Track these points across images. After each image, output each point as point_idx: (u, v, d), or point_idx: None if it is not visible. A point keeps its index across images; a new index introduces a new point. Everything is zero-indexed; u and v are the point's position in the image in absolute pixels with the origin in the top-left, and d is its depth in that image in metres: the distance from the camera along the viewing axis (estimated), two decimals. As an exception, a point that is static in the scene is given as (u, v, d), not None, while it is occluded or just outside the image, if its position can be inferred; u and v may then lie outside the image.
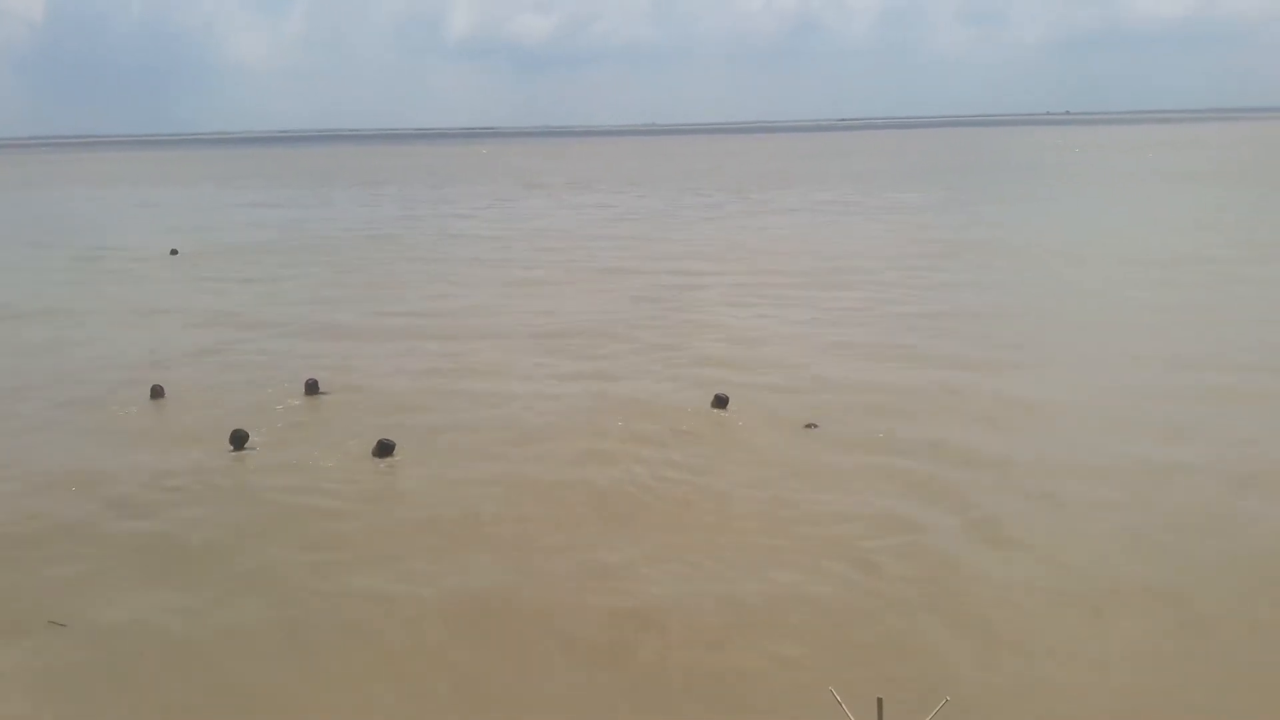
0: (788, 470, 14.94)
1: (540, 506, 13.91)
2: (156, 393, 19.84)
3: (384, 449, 16.03)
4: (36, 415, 18.83)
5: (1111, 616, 10.65)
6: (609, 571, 11.89)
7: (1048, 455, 15.33)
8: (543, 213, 59.49)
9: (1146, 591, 11.21)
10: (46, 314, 29.13)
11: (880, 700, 8.13)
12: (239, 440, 16.64)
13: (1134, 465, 14.85)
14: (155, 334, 25.96)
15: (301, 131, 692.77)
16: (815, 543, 12.51)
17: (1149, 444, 15.71)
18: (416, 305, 29.45)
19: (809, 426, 16.91)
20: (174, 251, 42.46)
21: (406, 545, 12.69)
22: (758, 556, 12.11)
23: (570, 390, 19.68)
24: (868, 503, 13.72)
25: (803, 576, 11.61)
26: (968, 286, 30.38)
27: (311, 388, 19.86)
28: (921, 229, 45.60)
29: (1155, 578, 11.49)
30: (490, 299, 30.23)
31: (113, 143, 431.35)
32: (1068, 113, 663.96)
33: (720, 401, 17.83)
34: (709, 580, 11.54)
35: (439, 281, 33.93)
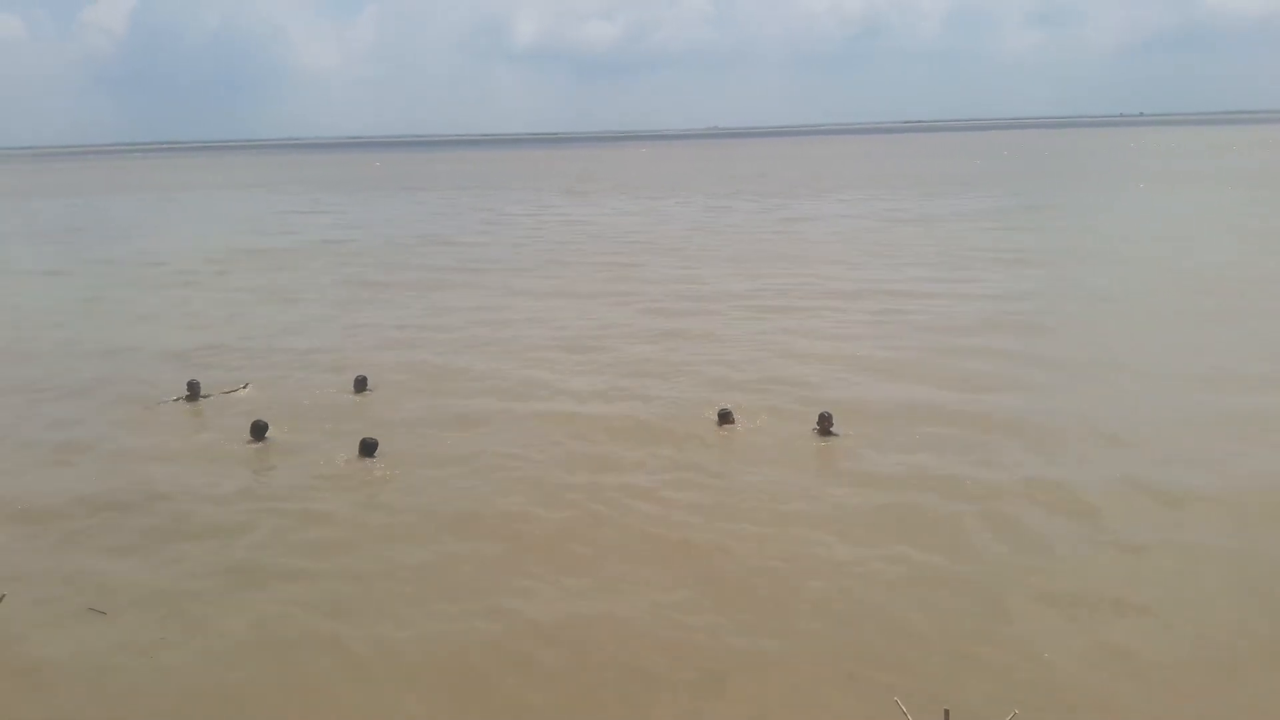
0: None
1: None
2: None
3: (367, 448, 15.79)
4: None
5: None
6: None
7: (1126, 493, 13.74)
8: (582, 219, 59.00)
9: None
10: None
11: (947, 712, 8.20)
12: (259, 431, 16.81)
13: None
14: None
15: (369, 138, 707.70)
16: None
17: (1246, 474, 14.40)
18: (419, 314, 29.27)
19: (825, 431, 16.23)
20: None
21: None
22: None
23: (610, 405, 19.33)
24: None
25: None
26: (1014, 299, 27.98)
27: (360, 384, 19.96)
28: (973, 236, 43.90)
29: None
30: (490, 305, 29.97)
31: (190, 149, 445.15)
32: (1142, 114, 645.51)
33: (724, 417, 17.08)
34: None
35: (440, 289, 33.55)
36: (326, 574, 11.85)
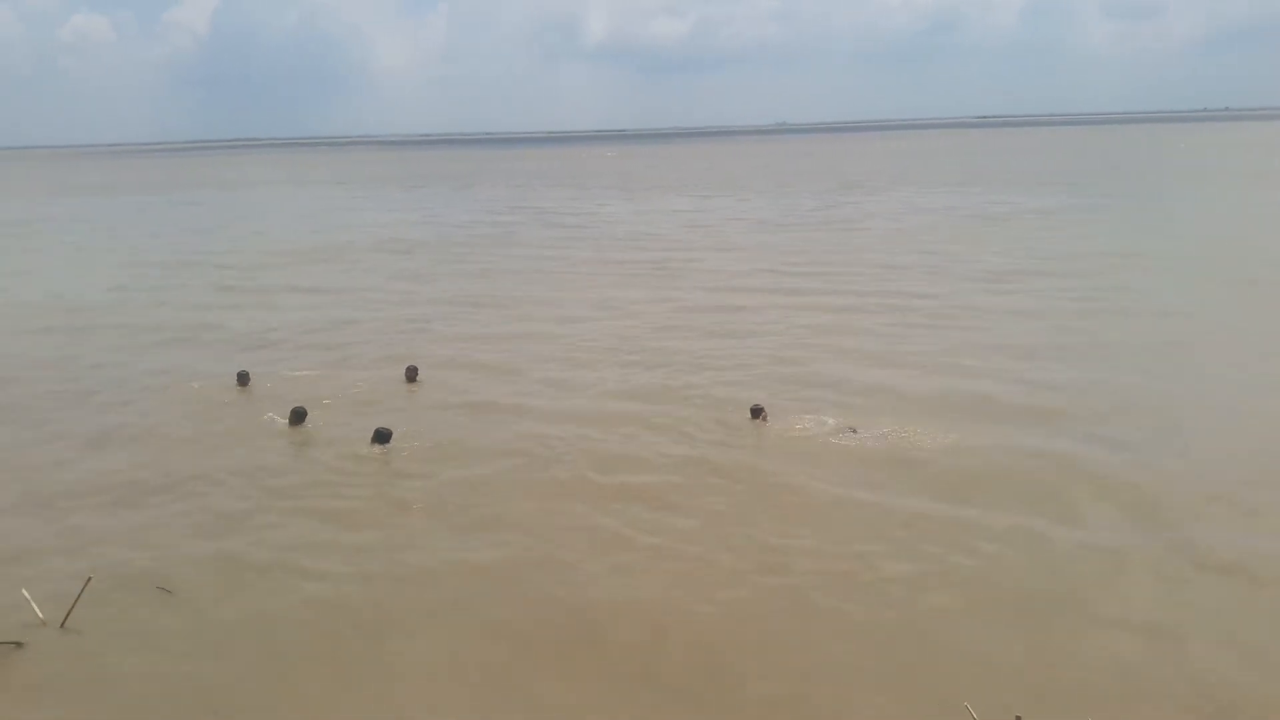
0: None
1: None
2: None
3: (381, 436, 16.56)
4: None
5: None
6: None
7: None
8: (620, 218, 59.15)
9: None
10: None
11: (1019, 718, 8.24)
12: (299, 416, 17.83)
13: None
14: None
15: (441, 135, 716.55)
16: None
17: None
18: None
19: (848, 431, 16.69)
20: None
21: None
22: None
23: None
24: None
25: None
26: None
27: (411, 374, 21.06)
28: (1031, 237, 43.23)
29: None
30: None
31: (265, 145, 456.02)
32: (1226, 109, 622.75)
33: (756, 412, 17.59)
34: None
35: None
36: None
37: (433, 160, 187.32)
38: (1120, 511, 13.40)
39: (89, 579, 11.24)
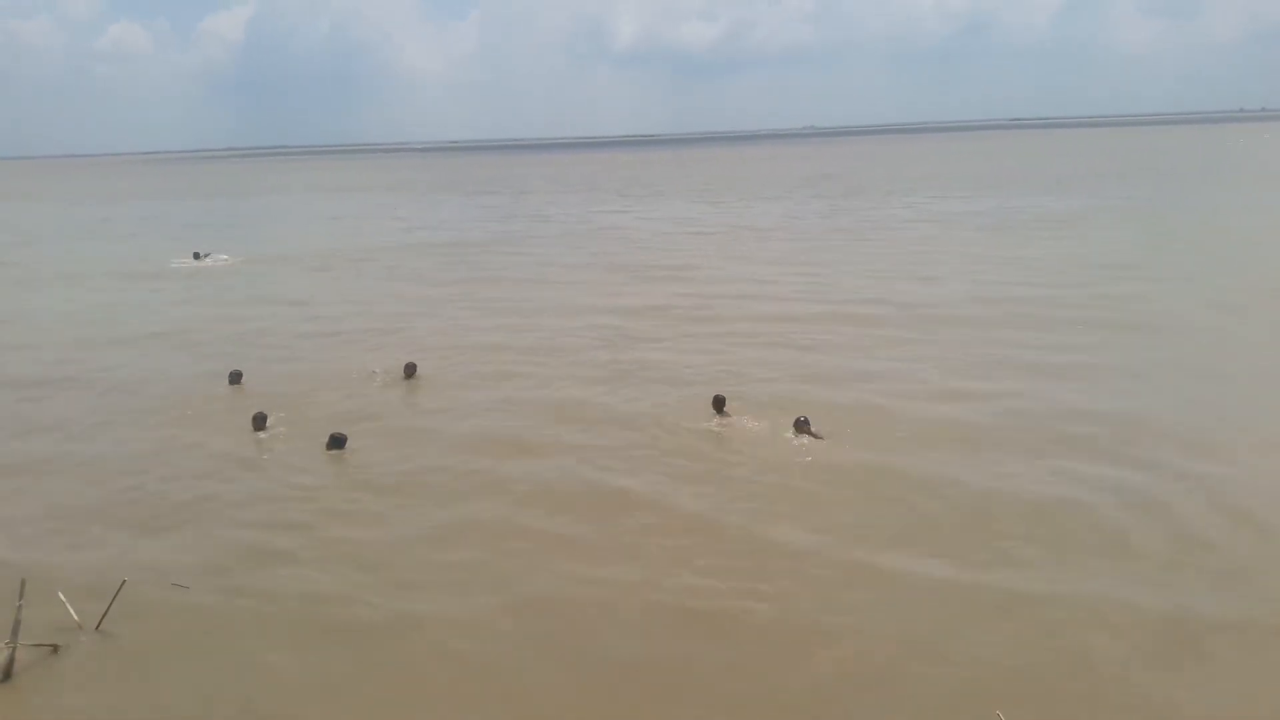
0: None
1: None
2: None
3: (335, 442, 16.84)
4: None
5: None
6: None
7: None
8: (619, 224, 58.90)
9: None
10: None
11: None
12: (259, 421, 18.10)
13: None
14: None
15: (472, 141, 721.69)
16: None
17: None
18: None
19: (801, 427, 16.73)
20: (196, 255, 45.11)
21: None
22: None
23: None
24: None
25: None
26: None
27: (410, 370, 21.86)
28: (1047, 246, 42.16)
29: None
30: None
31: (301, 153, 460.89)
32: (1264, 109, 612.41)
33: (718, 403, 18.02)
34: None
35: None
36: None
37: (473, 167, 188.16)
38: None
39: (124, 581, 11.41)
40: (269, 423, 18.29)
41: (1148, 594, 11.18)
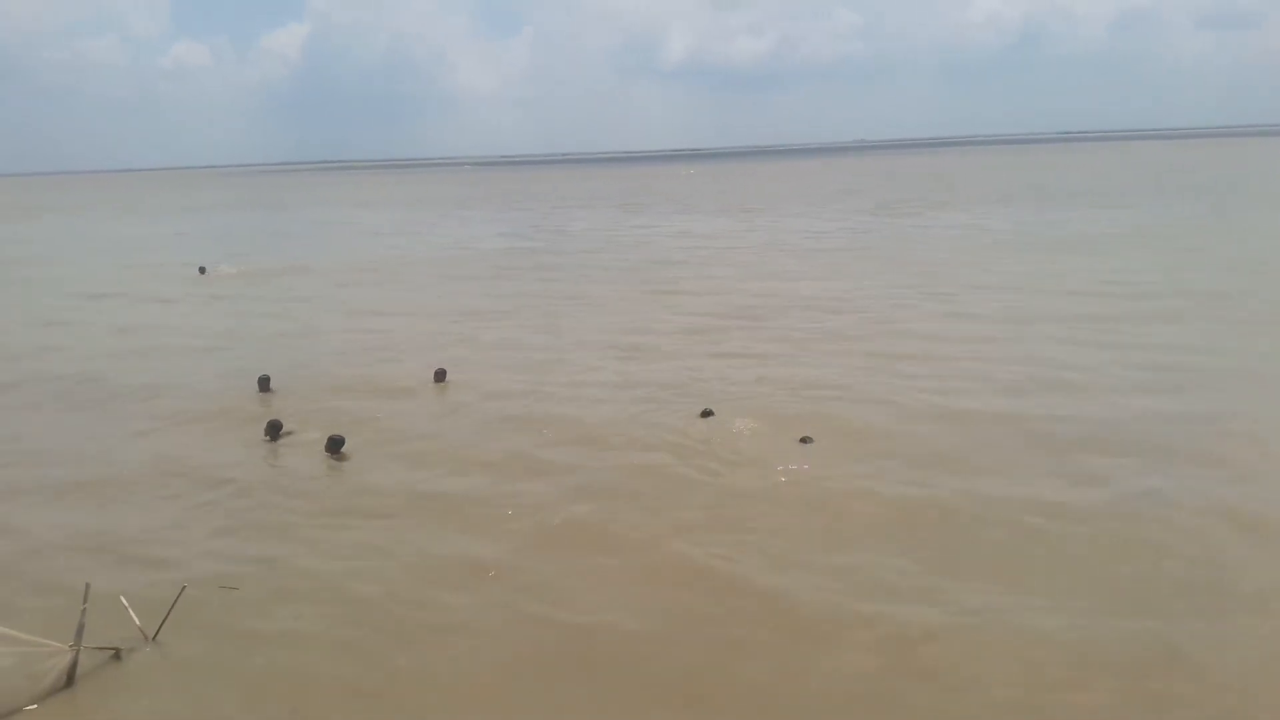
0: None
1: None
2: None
3: (334, 444, 17.26)
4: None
5: None
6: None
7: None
8: (642, 241, 58.06)
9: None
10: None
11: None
12: (274, 429, 18.44)
13: None
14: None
15: (522, 156, 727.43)
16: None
17: None
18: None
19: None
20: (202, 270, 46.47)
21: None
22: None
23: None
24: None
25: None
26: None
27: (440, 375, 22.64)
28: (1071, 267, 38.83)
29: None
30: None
31: (356, 167, 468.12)
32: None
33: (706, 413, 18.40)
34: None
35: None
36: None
37: (497, 181, 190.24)
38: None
39: (184, 587, 11.55)
40: (282, 430, 18.68)
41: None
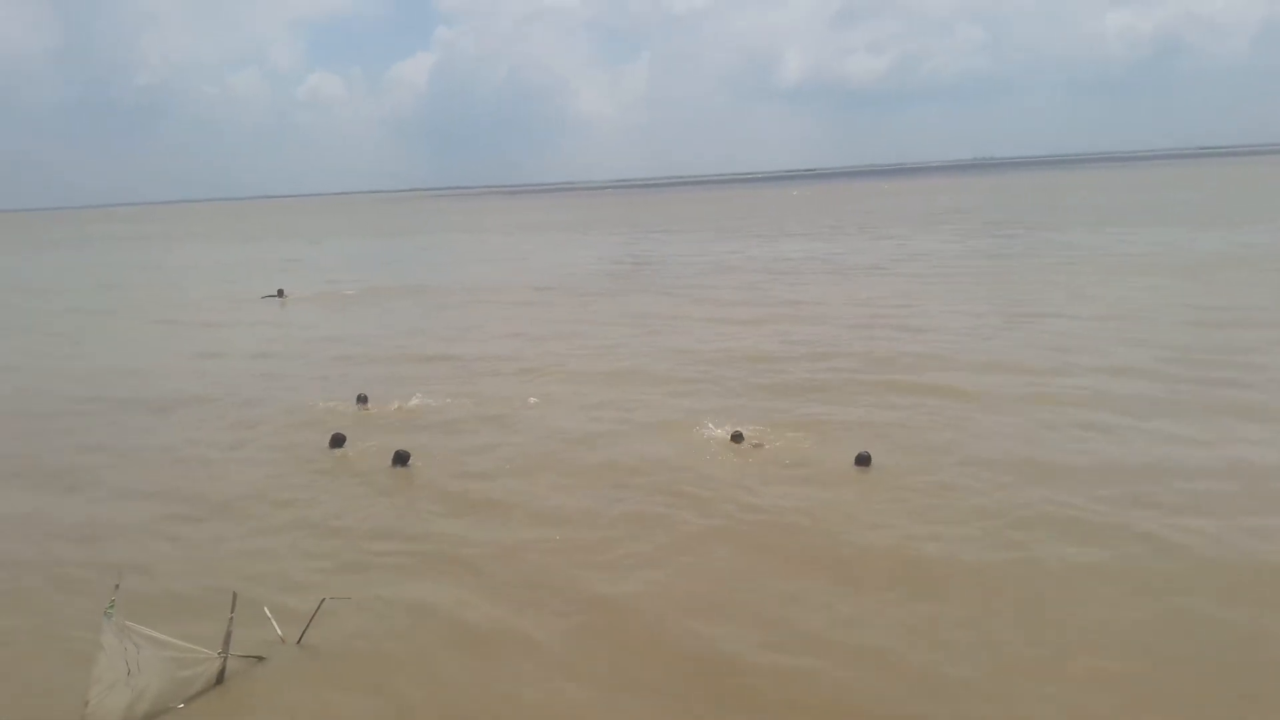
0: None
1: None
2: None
3: (400, 458, 18.10)
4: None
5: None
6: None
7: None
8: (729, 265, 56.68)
9: None
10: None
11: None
12: (338, 441, 19.46)
13: None
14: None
15: (641, 179, 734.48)
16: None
17: None
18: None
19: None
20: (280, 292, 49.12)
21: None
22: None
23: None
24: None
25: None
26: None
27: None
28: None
29: None
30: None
31: (480, 193, 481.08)
32: None
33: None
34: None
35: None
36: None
37: (611, 205, 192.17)
38: None
39: (323, 599, 12.06)
40: (346, 442, 19.63)
41: None
